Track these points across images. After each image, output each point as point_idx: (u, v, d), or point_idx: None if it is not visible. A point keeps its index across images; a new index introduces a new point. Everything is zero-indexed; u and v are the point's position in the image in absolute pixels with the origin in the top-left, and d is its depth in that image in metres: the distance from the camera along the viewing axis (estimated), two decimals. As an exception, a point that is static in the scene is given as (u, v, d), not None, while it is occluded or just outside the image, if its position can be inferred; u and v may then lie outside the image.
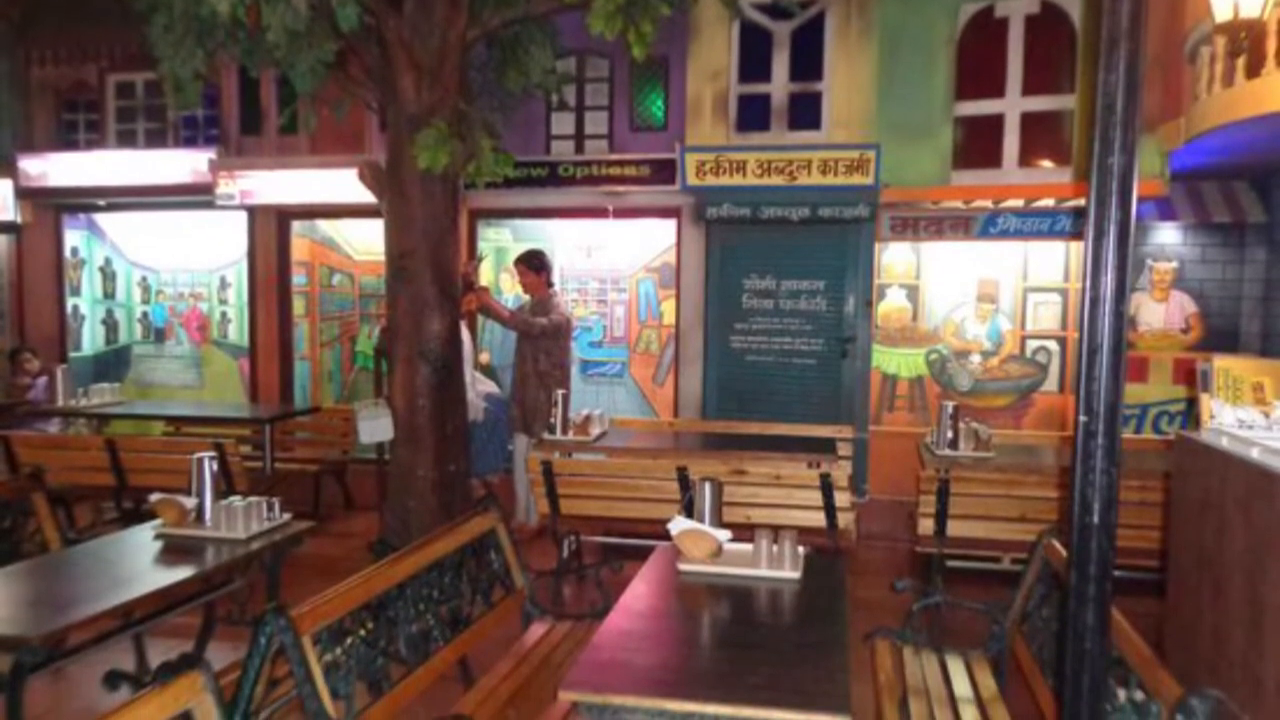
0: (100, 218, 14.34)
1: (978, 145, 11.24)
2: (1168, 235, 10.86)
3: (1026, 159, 11.12)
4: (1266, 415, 4.20)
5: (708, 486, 5.04)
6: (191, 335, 14.16)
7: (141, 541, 5.45)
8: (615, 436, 9.04)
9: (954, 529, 7.12)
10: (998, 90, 11.10)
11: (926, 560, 7.58)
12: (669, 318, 12.36)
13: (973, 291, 11.54)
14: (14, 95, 13.89)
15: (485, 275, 12.20)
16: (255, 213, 13.29)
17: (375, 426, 8.46)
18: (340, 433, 11.07)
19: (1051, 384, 11.38)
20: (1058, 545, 4.73)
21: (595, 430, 8.86)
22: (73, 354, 14.24)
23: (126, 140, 13.86)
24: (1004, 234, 11.00)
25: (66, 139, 14.16)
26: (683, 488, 7.16)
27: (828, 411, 11.20)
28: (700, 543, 4.79)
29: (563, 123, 12.37)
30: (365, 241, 13.25)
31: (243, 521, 5.56)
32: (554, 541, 8.19)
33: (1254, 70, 7.87)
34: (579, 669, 3.53)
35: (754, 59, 11.63)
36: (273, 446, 10.25)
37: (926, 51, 11.07)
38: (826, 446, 8.34)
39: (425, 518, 7.77)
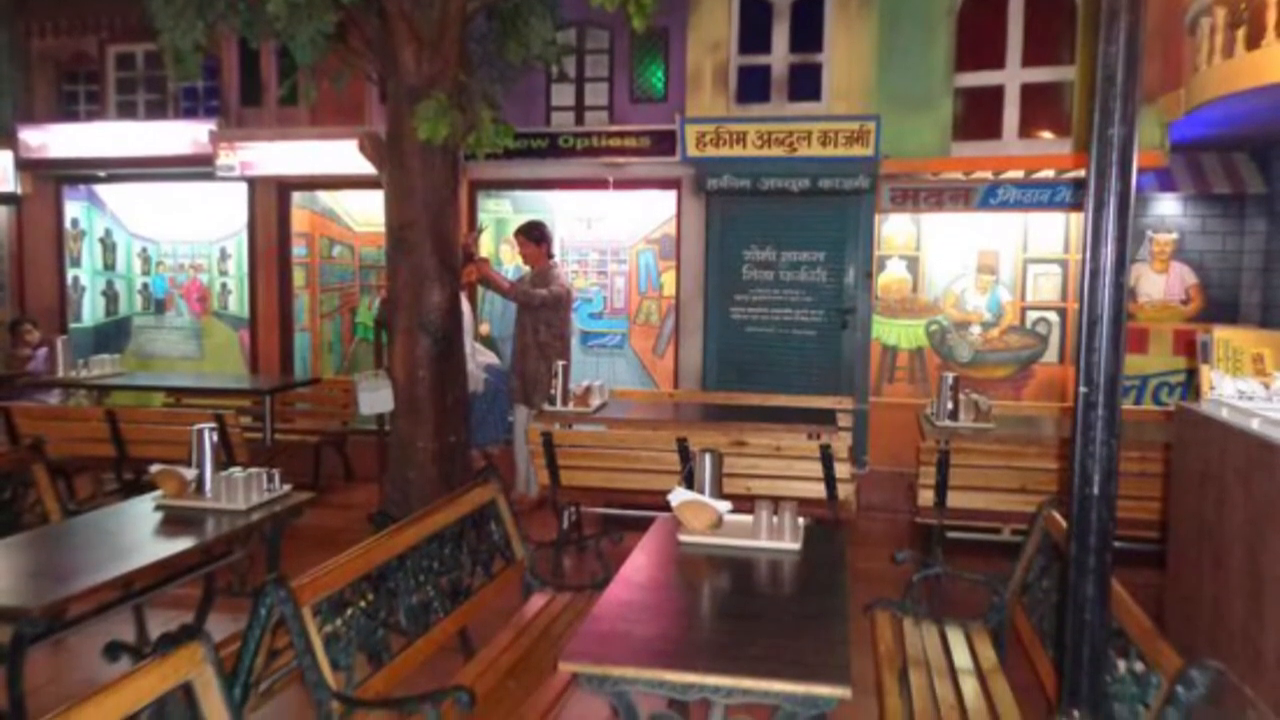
0: (100, 189, 14.31)
1: (978, 117, 11.23)
2: (1168, 206, 10.84)
3: (1026, 130, 11.11)
4: (1266, 386, 4.19)
5: (708, 458, 5.04)
6: (191, 306, 14.15)
7: (142, 513, 5.45)
8: (615, 408, 9.03)
9: (954, 500, 7.13)
10: (998, 62, 11.07)
11: (926, 531, 7.59)
12: (669, 289, 12.36)
13: (973, 263, 11.51)
14: (14, 66, 13.84)
15: (485, 246, 12.16)
16: (255, 184, 13.26)
17: (375, 398, 8.47)
18: (340, 404, 11.06)
19: (1051, 355, 11.37)
20: (1058, 516, 4.74)
21: (595, 401, 8.86)
22: (73, 325, 14.22)
23: (127, 111, 13.83)
24: (1004, 205, 10.99)
25: (67, 110, 14.12)
26: (683, 459, 7.16)
27: (828, 383, 11.20)
28: (700, 514, 4.80)
29: (563, 94, 12.33)
30: (365, 213, 13.23)
31: (243, 493, 5.56)
32: (554, 513, 8.21)
33: (1254, 41, 7.85)
34: (579, 640, 3.54)
35: (754, 30, 11.58)
36: (273, 418, 10.26)
37: (926, 23, 11.02)
38: (826, 418, 8.33)
39: (425, 489, 7.77)
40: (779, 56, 11.55)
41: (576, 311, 12.05)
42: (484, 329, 12.61)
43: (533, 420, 8.76)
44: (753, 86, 11.65)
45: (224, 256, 13.95)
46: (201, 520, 5.37)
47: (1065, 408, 9.69)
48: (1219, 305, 10.74)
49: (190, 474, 5.70)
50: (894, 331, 11.71)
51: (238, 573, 6.23)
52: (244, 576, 6.27)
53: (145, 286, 14.33)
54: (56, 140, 13.54)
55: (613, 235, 12.66)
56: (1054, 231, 11.33)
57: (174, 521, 5.33)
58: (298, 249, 13.53)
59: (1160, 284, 10.88)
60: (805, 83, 11.54)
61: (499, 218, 12.91)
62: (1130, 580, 3.74)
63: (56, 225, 14.21)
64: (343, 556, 4.15)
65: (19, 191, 13.85)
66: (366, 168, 8.24)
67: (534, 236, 9.88)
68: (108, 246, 14.37)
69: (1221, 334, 4.43)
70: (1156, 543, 6.13)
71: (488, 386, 9.99)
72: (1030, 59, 10.97)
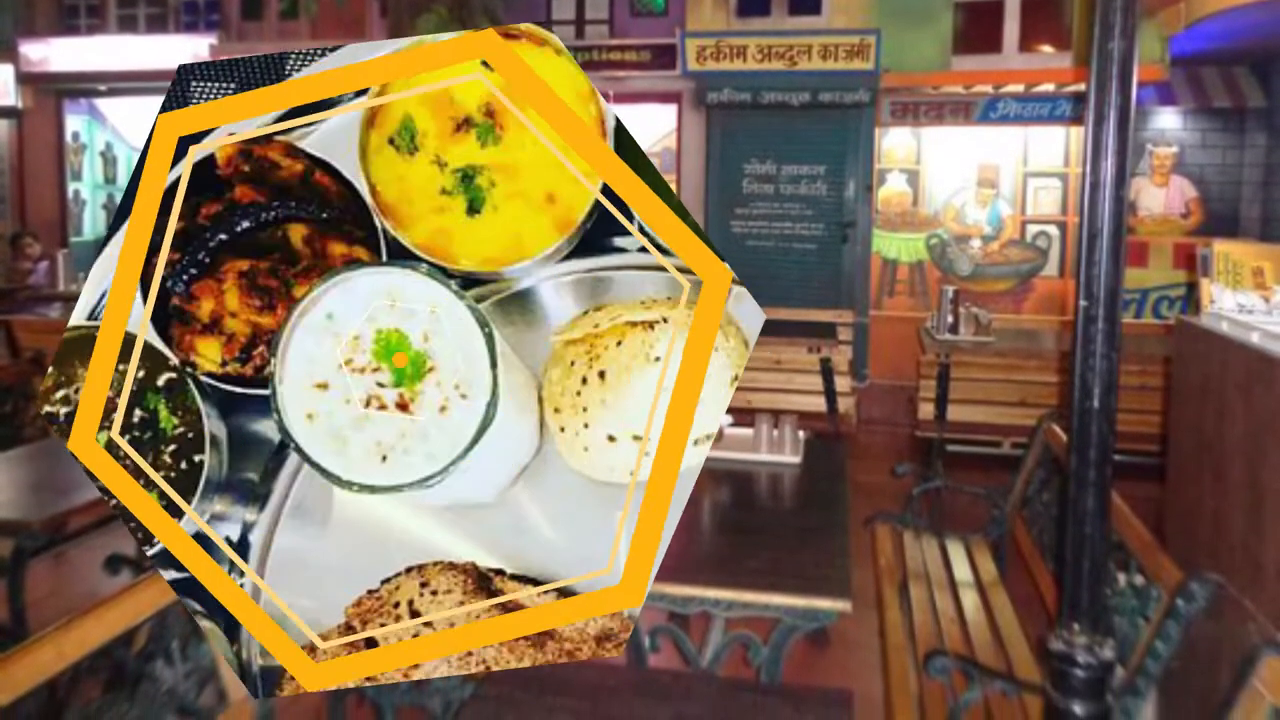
0: (101, 102, 14.23)
1: (978, 30, 11.12)
2: (1168, 120, 10.77)
3: (1027, 44, 11.01)
4: (1266, 300, 4.18)
5: (708, 372, 5.02)
6: (190, 221, 14.09)
7: (143, 427, 5.45)
8: (615, 322, 9.02)
9: (954, 413, 7.15)
10: (998, -25, 10.97)
11: (927, 445, 7.61)
12: (669, 203, 12.28)
13: (973, 176, 11.45)
14: (16, -20, 13.74)
15: (483, 161, 12.11)
16: (253, 97, 13.15)
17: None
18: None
19: (1051, 269, 11.35)
20: (1058, 430, 4.74)
21: (595, 316, 8.84)
22: (74, 239, 14.18)
23: (127, 25, 13.70)
24: (1004, 119, 10.93)
25: (68, 24, 13.98)
26: (683, 373, 7.15)
27: (828, 296, 11.18)
28: (700, 428, 4.79)
29: (563, 7, 12.19)
30: (363, 126, 13.13)
31: (243, 406, 5.55)
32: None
33: (1256, -45, 7.76)
34: (580, 553, 3.54)
35: (755, -58, 11.44)
36: (273, 331, 10.21)
37: (928, -67, 10.91)
38: (827, 331, 8.34)
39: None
40: (780, -33, 11.42)
41: (576, 226, 11.99)
42: (483, 244, 12.57)
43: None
44: (753, 0, 11.51)
45: (222, 170, 13.88)
46: (203, 434, 5.36)
47: (1065, 321, 9.70)
48: (1219, 219, 10.71)
49: (190, 388, 5.68)
50: (894, 245, 11.67)
51: (240, 487, 6.22)
52: (246, 490, 6.27)
53: (144, 201, 14.25)
54: (57, 54, 13.44)
55: (612, 149, 12.57)
56: (1054, 145, 11.27)
57: (175, 436, 5.33)
58: (295, 163, 13.44)
59: (1160, 198, 10.84)
60: (806, -4, 11.41)
61: (497, 131, 12.83)
62: (1130, 494, 3.74)
63: (57, 139, 14.13)
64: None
65: (20, 105, 13.78)
66: (365, 81, 8.16)
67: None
68: (108, 160, 14.31)
69: (1221, 247, 4.40)
70: (1157, 456, 6.14)
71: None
72: (1031, -29, 10.87)
